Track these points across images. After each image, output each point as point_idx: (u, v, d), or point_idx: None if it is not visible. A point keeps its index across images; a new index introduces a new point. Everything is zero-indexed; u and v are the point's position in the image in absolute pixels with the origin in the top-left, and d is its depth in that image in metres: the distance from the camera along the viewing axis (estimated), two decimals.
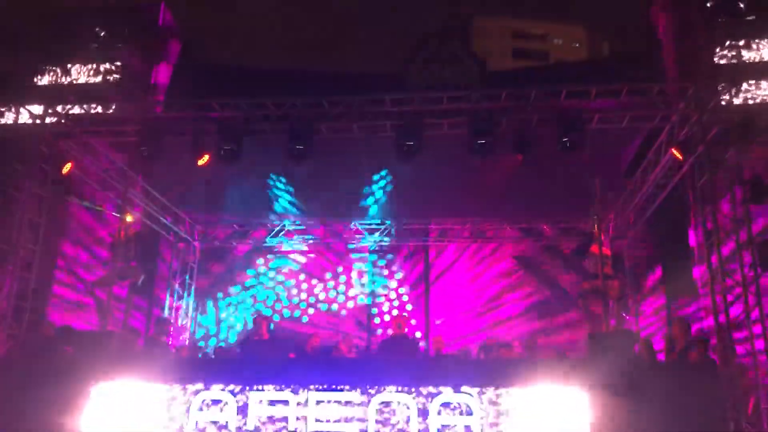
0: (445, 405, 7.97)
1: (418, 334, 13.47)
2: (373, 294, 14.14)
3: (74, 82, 13.32)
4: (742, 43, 13.35)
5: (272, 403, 8.17)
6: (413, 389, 8.06)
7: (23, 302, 9.83)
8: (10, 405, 8.51)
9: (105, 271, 10.80)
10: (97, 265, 11.64)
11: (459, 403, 7.96)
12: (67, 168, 10.17)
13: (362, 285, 14.19)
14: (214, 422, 8.17)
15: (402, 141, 9.36)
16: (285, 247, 14.34)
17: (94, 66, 13.49)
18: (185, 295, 14.03)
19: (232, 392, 8.26)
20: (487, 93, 9.65)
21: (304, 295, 14.28)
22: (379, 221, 13.76)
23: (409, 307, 14.03)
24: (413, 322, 13.71)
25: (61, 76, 13.17)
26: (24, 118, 10.26)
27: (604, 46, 40.55)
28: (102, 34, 13.89)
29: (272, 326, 12.34)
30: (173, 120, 10.18)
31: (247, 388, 8.26)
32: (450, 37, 15.27)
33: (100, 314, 10.58)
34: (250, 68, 15.49)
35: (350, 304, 14.18)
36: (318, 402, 8.11)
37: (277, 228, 14.10)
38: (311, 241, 14.27)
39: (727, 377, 8.00)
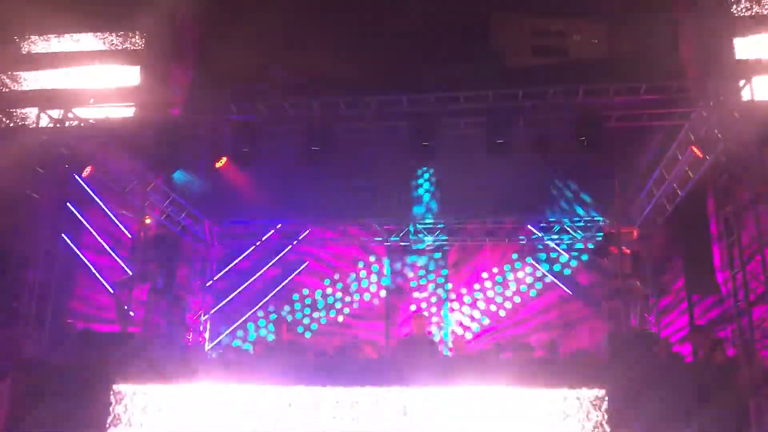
0: (466, 405, 7.94)
1: (436, 333, 13.41)
2: (391, 293, 14.10)
3: (93, 85, 13.41)
4: (764, 38, 13.09)
5: (287, 404, 8.20)
6: (433, 389, 8.05)
7: (45, 304, 9.94)
8: (33, 407, 8.61)
9: (125, 273, 10.90)
10: (118, 268, 11.73)
11: (480, 404, 7.93)
12: (87, 171, 10.29)
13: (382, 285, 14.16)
14: (229, 423, 8.22)
15: (418, 141, 9.33)
16: None
17: (112, 69, 13.58)
18: (204, 296, 14.08)
19: (247, 392, 8.31)
20: (503, 92, 9.58)
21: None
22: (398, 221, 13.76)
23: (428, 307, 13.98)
24: (434, 319, 13.68)
25: (80, 79, 13.29)
26: (44, 122, 10.35)
27: (624, 42, 40.11)
28: (120, 35, 13.97)
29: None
30: (191, 123, 10.27)
31: (261, 388, 8.31)
32: (468, 35, 15.14)
33: (120, 316, 10.68)
34: (268, 69, 15.50)
35: (375, 301, 14.16)
36: (334, 402, 8.13)
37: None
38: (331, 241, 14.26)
39: (749, 379, 7.88)
